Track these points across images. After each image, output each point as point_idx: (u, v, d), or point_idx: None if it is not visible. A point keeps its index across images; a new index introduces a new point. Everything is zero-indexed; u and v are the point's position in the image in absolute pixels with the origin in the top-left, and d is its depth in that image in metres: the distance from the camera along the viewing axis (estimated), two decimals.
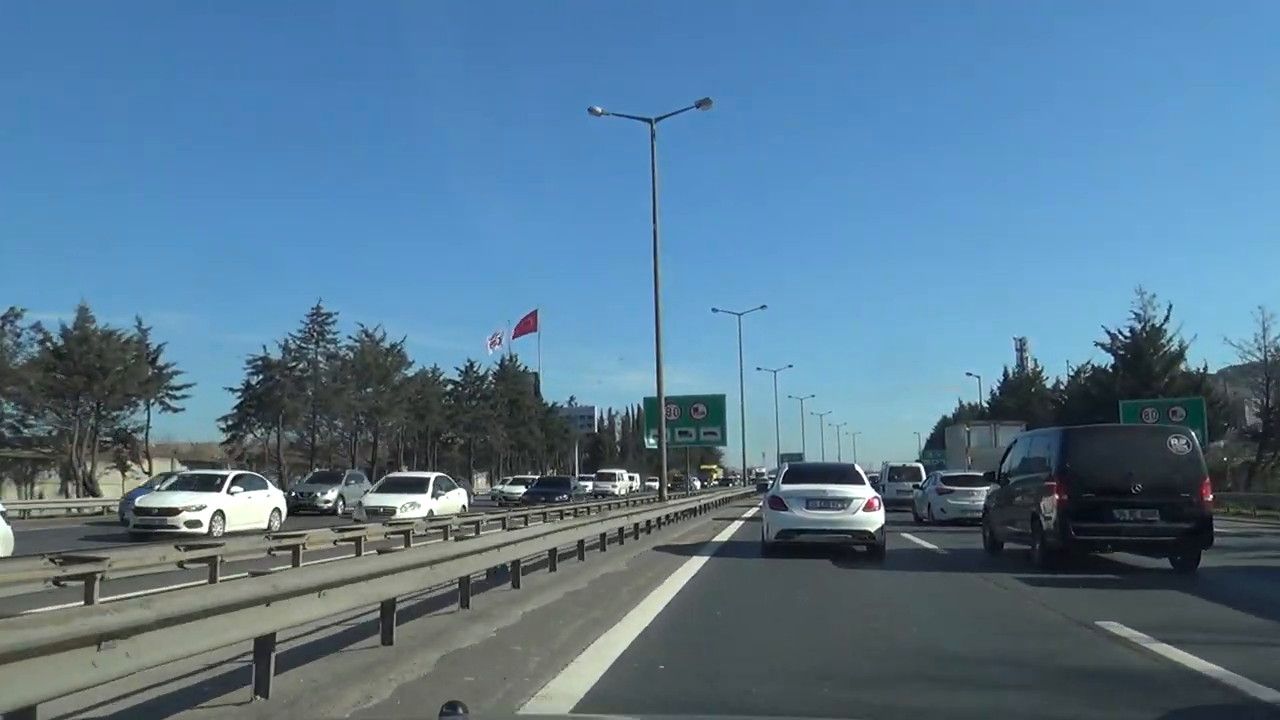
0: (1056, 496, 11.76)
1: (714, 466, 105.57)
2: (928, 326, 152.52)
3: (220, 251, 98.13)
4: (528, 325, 73.76)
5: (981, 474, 25.09)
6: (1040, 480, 12.37)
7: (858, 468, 17.61)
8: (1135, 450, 11.97)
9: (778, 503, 14.82)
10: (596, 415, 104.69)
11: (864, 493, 14.61)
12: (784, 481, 15.61)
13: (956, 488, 23.92)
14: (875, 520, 14.20)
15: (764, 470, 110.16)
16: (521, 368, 77.19)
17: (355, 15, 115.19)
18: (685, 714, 4.70)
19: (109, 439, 41.84)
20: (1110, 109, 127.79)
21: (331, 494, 31.82)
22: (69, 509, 32.07)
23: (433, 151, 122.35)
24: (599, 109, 28.03)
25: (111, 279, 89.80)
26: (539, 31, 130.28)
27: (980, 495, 21.33)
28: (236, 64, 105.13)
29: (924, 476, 30.29)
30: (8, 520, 12.75)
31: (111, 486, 38.76)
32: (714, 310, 58.82)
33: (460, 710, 2.03)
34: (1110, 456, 11.86)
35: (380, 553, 6.95)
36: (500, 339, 72.52)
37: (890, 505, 28.15)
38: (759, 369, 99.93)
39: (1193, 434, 12.07)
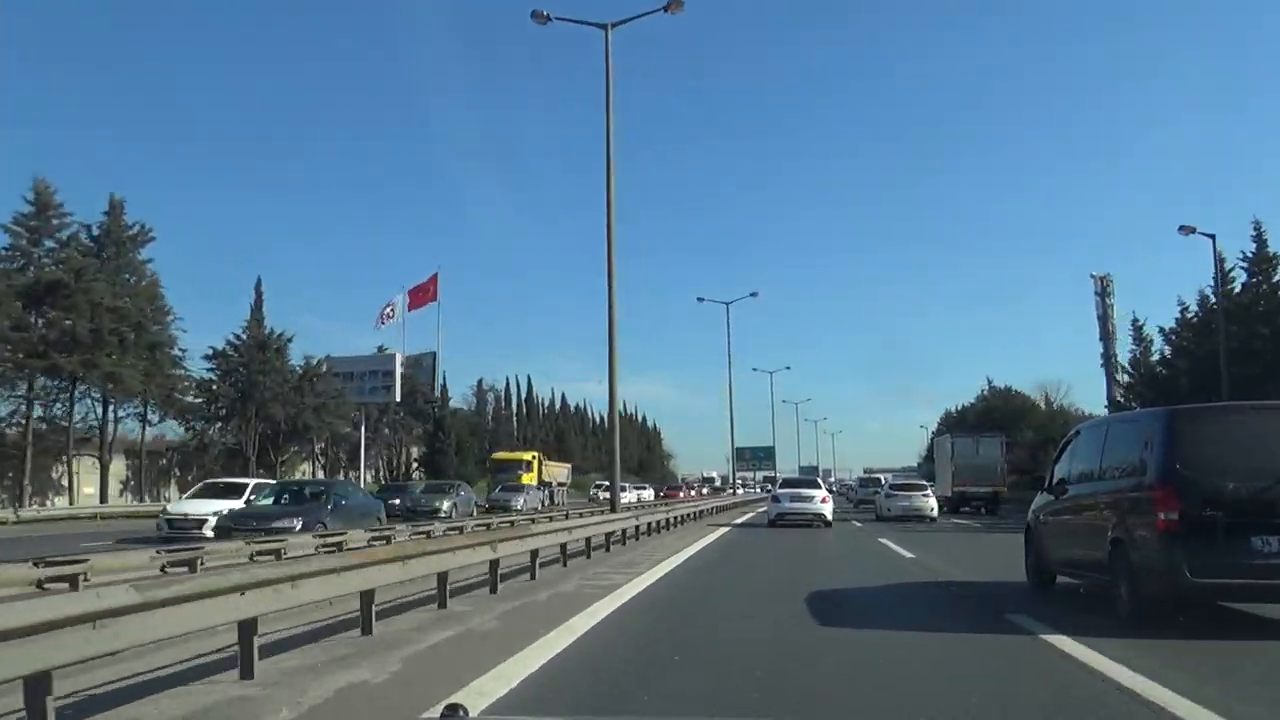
0: (1160, 515, 7.50)
1: (514, 457, 55.18)
2: (936, 330, 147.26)
3: (213, 248, 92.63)
4: (426, 293, 55.87)
5: (921, 480, 36.65)
6: (1129, 489, 8.11)
7: (818, 478, 34.97)
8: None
9: (775, 498, 27.11)
10: (400, 374, 52.68)
11: (821, 493, 26.63)
12: (779, 487, 28.69)
13: (899, 493, 30.96)
14: (826, 508, 25.83)
15: (714, 475, 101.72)
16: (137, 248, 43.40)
17: (352, 11, 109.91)
18: (687, 717, 4.96)
19: None
20: (1125, 108, 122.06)
21: None
22: None
23: (429, 146, 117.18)
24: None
25: None
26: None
27: (916, 499, 29.93)
28: (230, 57, 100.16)
29: (883, 483, 39.19)
30: None
31: None
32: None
33: (461, 712, 2.06)
34: (1246, 453, 7.59)
35: None
36: (394, 311, 54.16)
37: (862, 504, 43.82)
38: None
39: None
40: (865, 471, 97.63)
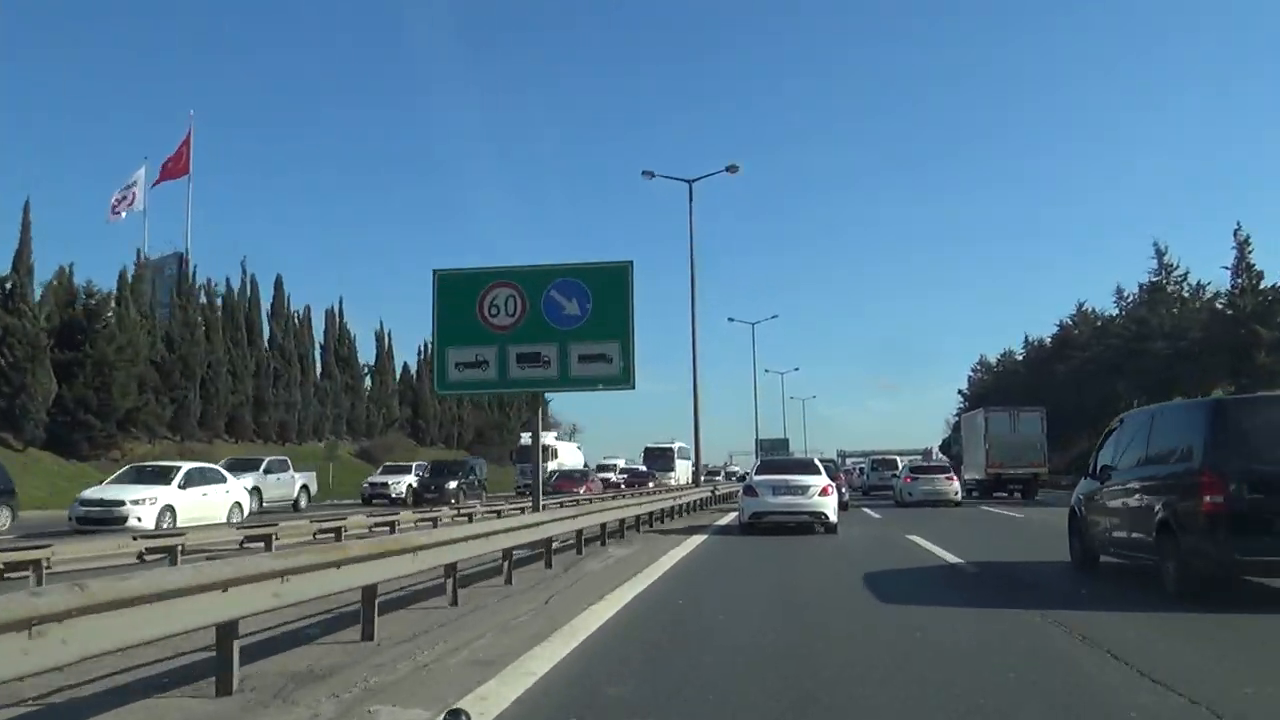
0: (1207, 498, 8.12)
1: None
2: (938, 316, 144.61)
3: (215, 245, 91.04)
4: (179, 164, 40.76)
5: (943, 464, 33.74)
6: (1177, 474, 8.72)
7: (816, 460, 22.35)
8: None
9: (750, 491, 18.65)
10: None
11: (820, 481, 18.09)
12: (756, 473, 20.02)
13: (920, 476, 29.62)
14: (829, 503, 17.71)
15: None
16: None
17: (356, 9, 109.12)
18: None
19: None
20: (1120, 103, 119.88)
21: None
22: None
23: (432, 140, 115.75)
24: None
25: None
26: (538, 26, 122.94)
27: (940, 482, 28.72)
28: (224, 49, 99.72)
29: (900, 466, 36.69)
30: None
31: None
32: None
33: (463, 718, 2.07)
34: None
35: None
36: (134, 195, 40.31)
37: (873, 491, 39.47)
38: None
39: None
40: (839, 454, 79.92)
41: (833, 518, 17.62)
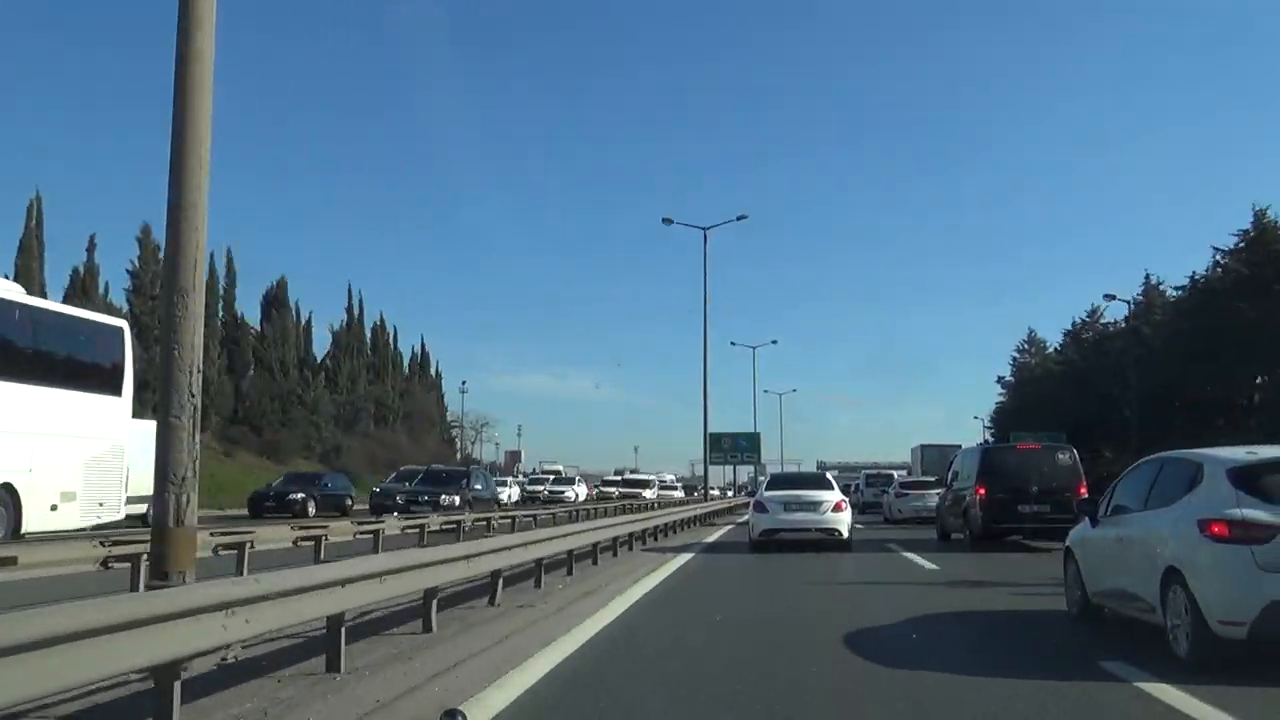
0: (979, 496, 16.66)
1: None
2: (940, 327, 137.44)
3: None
4: None
5: (933, 479, 31.17)
6: (968, 485, 17.26)
7: (829, 475, 22.11)
8: (1033, 462, 16.95)
9: (760, 506, 18.54)
10: None
11: (833, 496, 18.06)
12: (766, 489, 19.58)
13: (910, 491, 29.46)
14: (843, 519, 17.68)
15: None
16: None
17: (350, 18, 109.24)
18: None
19: None
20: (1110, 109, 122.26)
21: None
22: None
23: (425, 142, 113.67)
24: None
25: None
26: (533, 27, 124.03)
27: (931, 497, 27.20)
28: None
29: (895, 481, 34.63)
30: None
31: None
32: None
33: (460, 718, 2.17)
34: (1016, 467, 16.82)
35: None
36: None
37: (867, 508, 36.45)
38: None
39: (1073, 450, 17.04)
40: (819, 466, 70.61)
41: (846, 534, 17.63)
